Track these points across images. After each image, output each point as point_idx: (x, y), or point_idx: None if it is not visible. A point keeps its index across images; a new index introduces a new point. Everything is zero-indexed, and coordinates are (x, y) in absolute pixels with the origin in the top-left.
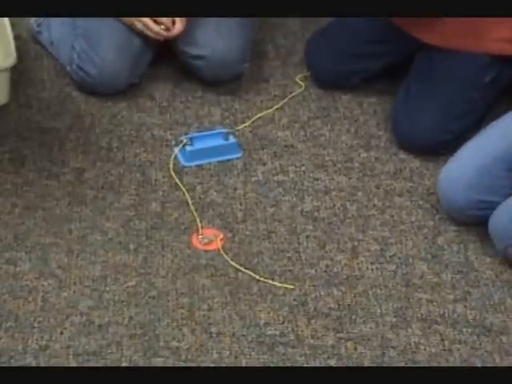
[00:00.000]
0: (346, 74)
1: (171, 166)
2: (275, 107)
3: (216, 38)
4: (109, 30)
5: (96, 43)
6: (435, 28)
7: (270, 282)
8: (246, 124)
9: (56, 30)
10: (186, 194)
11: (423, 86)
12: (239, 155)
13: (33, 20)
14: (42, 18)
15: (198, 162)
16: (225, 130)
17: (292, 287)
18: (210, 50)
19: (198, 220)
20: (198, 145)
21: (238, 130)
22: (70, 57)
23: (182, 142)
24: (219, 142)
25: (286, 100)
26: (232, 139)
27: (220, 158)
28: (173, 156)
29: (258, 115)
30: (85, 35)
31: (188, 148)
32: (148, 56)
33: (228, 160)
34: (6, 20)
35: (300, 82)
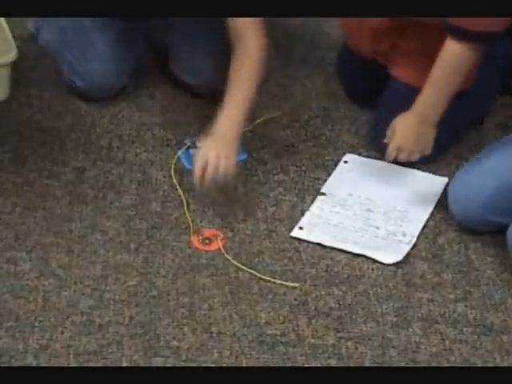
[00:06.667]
0: (367, 91)
1: (172, 166)
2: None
3: (199, 70)
4: (93, 42)
5: (81, 56)
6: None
7: (272, 280)
8: (250, 127)
9: (48, 38)
10: (182, 196)
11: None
12: (244, 157)
13: (30, 25)
14: (39, 24)
15: None
16: None
17: (297, 285)
18: (193, 79)
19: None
20: None
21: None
22: (62, 68)
23: (185, 144)
24: None
25: (286, 101)
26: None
27: None
28: (176, 157)
29: (263, 118)
30: (71, 48)
31: (192, 151)
32: (133, 62)
33: None
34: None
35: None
